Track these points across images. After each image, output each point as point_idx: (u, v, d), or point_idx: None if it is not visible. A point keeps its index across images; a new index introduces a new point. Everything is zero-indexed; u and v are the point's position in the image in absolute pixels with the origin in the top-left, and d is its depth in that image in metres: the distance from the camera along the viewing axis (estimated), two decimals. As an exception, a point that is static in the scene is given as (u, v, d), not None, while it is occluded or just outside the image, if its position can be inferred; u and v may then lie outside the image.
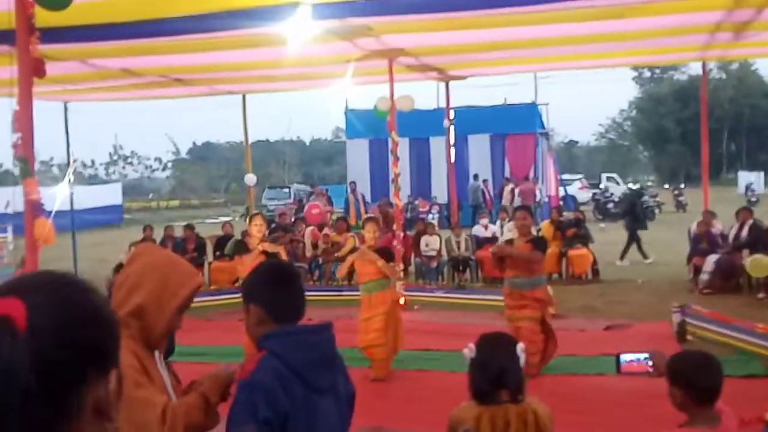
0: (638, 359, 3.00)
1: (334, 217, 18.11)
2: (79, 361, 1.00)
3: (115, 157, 60.43)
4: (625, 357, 3.01)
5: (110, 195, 35.58)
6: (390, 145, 12.28)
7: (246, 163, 16.80)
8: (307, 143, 78.62)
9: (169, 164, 64.93)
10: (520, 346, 2.96)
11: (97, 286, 1.11)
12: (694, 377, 2.89)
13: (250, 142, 16.63)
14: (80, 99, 15.85)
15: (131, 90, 13.47)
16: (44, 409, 0.95)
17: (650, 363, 2.99)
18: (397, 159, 12.00)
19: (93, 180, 53.60)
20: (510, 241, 7.74)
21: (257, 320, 2.40)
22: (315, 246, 14.05)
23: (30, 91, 5.91)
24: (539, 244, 7.58)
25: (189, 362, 6.44)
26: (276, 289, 2.44)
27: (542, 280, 7.53)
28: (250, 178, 16.30)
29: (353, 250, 13.62)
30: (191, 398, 2.37)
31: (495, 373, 2.89)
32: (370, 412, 6.42)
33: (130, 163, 62.08)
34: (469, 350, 2.98)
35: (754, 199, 28.97)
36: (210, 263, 14.07)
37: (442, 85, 16.18)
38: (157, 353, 2.49)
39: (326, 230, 14.49)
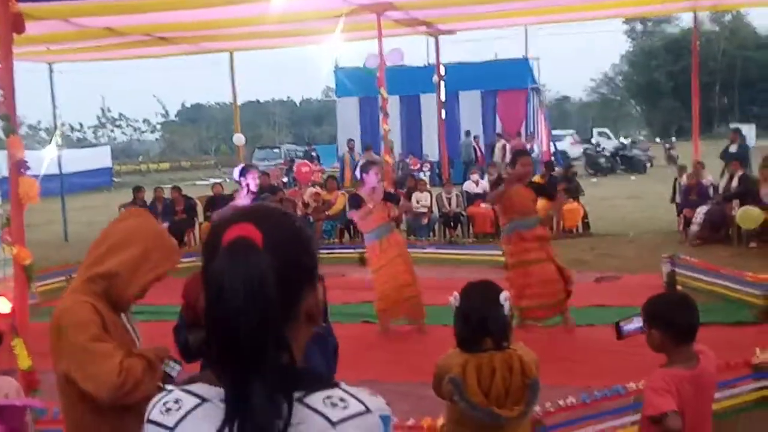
0: (638, 327, 3.00)
1: (324, 176, 18.05)
2: (300, 275, 1.24)
3: (104, 120, 59.70)
4: (627, 326, 3.02)
5: (99, 158, 35.31)
6: (380, 102, 12.18)
7: (235, 123, 16.67)
8: (298, 103, 78.05)
9: (158, 126, 64.30)
10: (504, 294, 2.96)
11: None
12: (670, 316, 2.91)
13: (239, 102, 16.48)
14: (64, 60, 15.62)
15: (116, 50, 13.26)
16: (282, 314, 1.16)
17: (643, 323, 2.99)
18: (386, 116, 11.91)
19: (81, 143, 53.09)
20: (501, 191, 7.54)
21: None
22: (306, 205, 14.02)
23: (10, 47, 5.79)
24: (540, 189, 7.56)
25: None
26: None
27: (538, 219, 7.44)
28: (239, 138, 16.19)
29: (344, 208, 13.71)
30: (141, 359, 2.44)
31: (477, 320, 2.90)
32: (364, 366, 6.48)
33: (119, 126, 61.40)
34: (454, 299, 2.99)
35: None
36: (200, 224, 14.03)
37: (432, 41, 16.00)
38: (124, 315, 2.54)
39: (317, 189, 14.45)
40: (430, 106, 20.31)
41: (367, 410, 1.18)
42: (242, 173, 7.44)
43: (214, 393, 1.18)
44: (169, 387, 1.26)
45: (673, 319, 2.90)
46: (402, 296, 7.42)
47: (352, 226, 13.69)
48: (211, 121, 65.71)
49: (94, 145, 47.68)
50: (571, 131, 38.85)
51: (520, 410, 2.87)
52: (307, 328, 1.28)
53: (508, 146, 22.24)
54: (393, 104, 18.01)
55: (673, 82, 54.04)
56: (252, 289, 1.13)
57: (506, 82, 24.72)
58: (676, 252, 9.14)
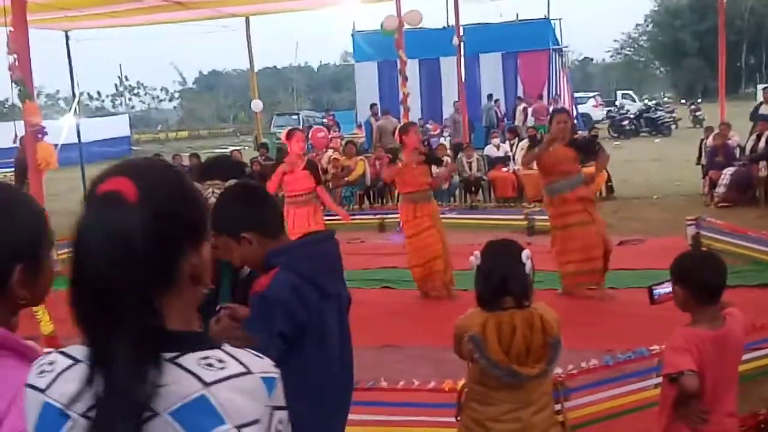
0: (671, 291, 2.92)
1: (344, 142, 17.95)
2: (179, 233, 1.17)
3: (121, 89, 59.97)
4: (658, 290, 2.94)
5: (118, 127, 35.41)
6: (398, 65, 12.02)
7: (252, 89, 16.58)
8: (316, 69, 77.65)
9: (176, 95, 64.47)
10: (526, 253, 2.89)
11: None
12: (696, 274, 2.84)
13: (257, 69, 16.43)
14: (81, 27, 15.56)
15: (132, 15, 13.21)
16: (154, 273, 1.11)
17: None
18: (405, 79, 11.76)
19: (100, 112, 53.36)
20: (539, 152, 7.31)
21: (257, 244, 2.35)
22: (325, 171, 13.94)
23: (24, 12, 5.75)
24: (582, 147, 7.33)
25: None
26: (261, 209, 2.44)
27: (580, 178, 7.14)
28: (257, 104, 16.15)
29: (363, 173, 13.63)
30: None
31: (499, 279, 2.84)
32: (384, 331, 6.46)
33: (137, 95, 61.70)
34: (475, 258, 2.93)
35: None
36: (221, 191, 14.02)
37: (452, 2, 15.75)
38: None
39: (335, 154, 14.36)
40: (450, 69, 20.05)
41: (248, 371, 1.12)
42: (288, 137, 7.44)
43: (87, 353, 1.13)
44: (47, 350, 1.22)
45: (698, 277, 2.83)
46: (431, 270, 7.35)
47: (372, 192, 13.63)
48: (228, 89, 65.67)
49: (113, 114, 47.86)
50: (594, 93, 38.26)
51: (541, 368, 2.83)
52: (194, 289, 1.21)
53: (529, 109, 21.99)
54: (412, 68, 17.73)
55: (699, 42, 52.96)
56: (115, 244, 1.09)
57: (528, 43, 24.32)
58: (701, 215, 8.98)
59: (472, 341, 2.81)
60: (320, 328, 2.29)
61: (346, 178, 13.55)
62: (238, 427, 1.08)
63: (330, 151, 14.50)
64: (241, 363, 1.13)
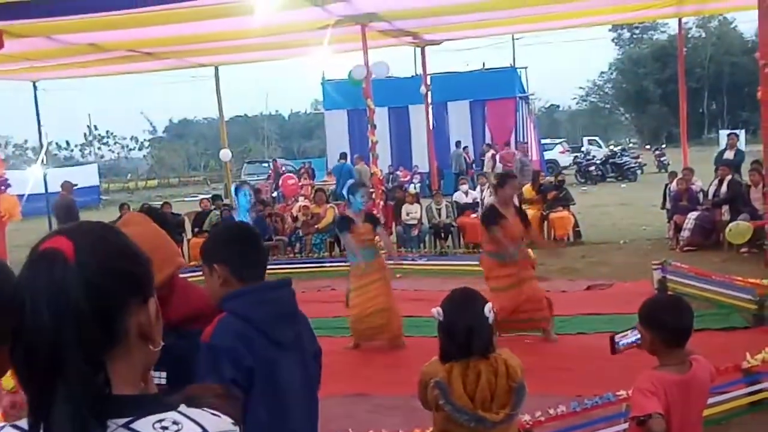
0: (635, 340, 2.95)
1: (314, 189, 17.99)
2: (121, 288, 1.15)
3: (90, 138, 59.50)
4: (622, 340, 2.97)
5: (87, 176, 35.01)
6: (367, 114, 12.16)
7: (222, 138, 16.61)
8: (286, 117, 78.04)
9: (146, 143, 64.13)
10: (488, 306, 2.91)
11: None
12: (663, 318, 2.87)
13: (227, 117, 16.49)
14: (49, 77, 15.59)
15: (100, 65, 13.23)
16: (96, 331, 1.09)
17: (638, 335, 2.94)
18: (374, 127, 11.89)
19: (68, 162, 52.87)
20: (492, 207, 7.48)
21: (222, 280, 2.37)
22: (294, 219, 13.94)
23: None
24: (525, 215, 7.58)
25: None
26: (242, 249, 2.44)
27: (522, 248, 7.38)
28: (225, 154, 16.17)
29: (333, 221, 13.63)
30: None
31: (463, 336, 2.85)
32: (354, 379, 6.41)
33: (106, 144, 61.16)
34: (438, 313, 2.93)
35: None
36: (189, 240, 13.93)
37: (419, 51, 16.02)
38: None
39: (306, 202, 14.37)
40: (418, 117, 20.31)
41: (204, 430, 1.11)
42: (236, 191, 7.43)
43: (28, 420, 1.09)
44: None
45: (665, 321, 2.87)
46: (373, 324, 7.30)
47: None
48: (199, 137, 65.58)
49: (82, 164, 47.48)
50: (560, 140, 38.89)
51: (506, 414, 2.83)
52: (143, 349, 1.19)
53: (497, 156, 22.26)
54: (381, 116, 17.98)
55: (662, 89, 54.17)
56: (52, 300, 1.07)
57: (494, 91, 24.74)
58: (667, 259, 9.10)
59: (437, 387, 2.81)
60: (271, 377, 2.25)
61: (316, 226, 13.54)
62: None
63: (301, 199, 14.53)
64: (197, 424, 1.11)
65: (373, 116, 11.86)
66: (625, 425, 4.03)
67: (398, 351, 7.29)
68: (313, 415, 2.46)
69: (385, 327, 7.32)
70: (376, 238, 7.49)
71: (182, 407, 1.14)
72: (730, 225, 10.90)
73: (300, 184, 16.90)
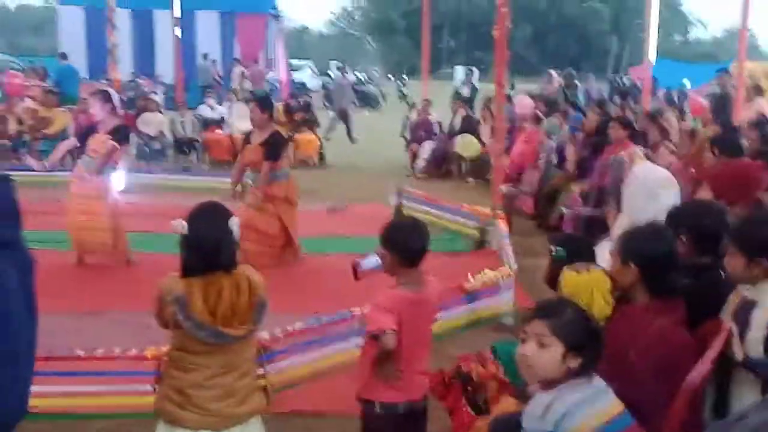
0: (376, 265, 3.03)
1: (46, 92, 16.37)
2: None
3: None
4: (364, 264, 3.04)
5: None
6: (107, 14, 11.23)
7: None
8: (12, 9, 69.75)
9: None
10: (234, 220, 2.88)
11: None
12: (402, 240, 3.03)
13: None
14: None
15: None
16: None
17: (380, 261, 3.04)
18: (113, 28, 11.01)
19: None
20: (248, 135, 7.25)
21: None
22: (20, 122, 12.63)
23: None
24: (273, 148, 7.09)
25: None
26: None
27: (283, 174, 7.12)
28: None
29: (65, 127, 12.55)
30: None
31: (209, 249, 2.79)
32: (82, 296, 6.07)
33: None
34: (181, 226, 2.82)
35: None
36: None
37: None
38: None
39: (34, 104, 13.04)
40: (164, 23, 19.17)
41: None
42: None
43: None
44: None
45: (405, 243, 3.02)
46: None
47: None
48: None
49: None
50: (309, 62, 38.98)
51: (247, 329, 2.85)
52: None
53: (246, 72, 21.81)
54: (123, 17, 16.65)
55: (406, 22, 56.27)
56: None
57: (246, 5, 24.07)
58: (403, 184, 9.59)
59: (176, 302, 2.74)
60: None
61: (44, 131, 12.39)
62: None
63: (28, 101, 13.14)
64: None
65: (113, 16, 10.96)
66: (359, 340, 4.24)
67: (129, 267, 7.00)
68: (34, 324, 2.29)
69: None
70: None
71: None
72: (462, 136, 11.99)
73: (29, 84, 15.20)
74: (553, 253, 3.37)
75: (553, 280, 3.22)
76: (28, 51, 36.63)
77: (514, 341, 2.74)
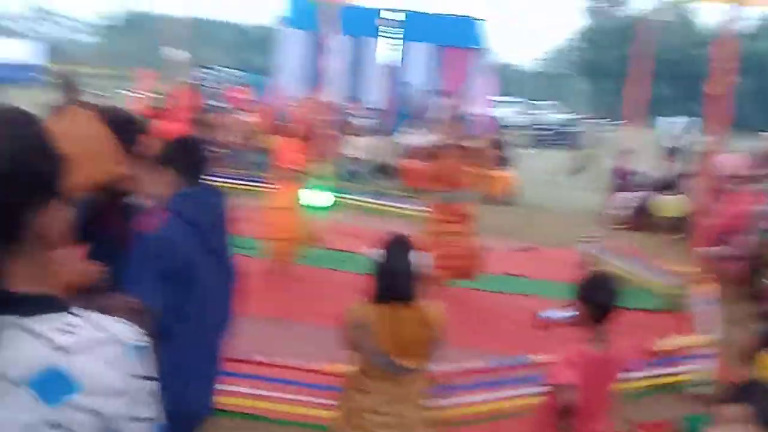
0: (560, 316, 3.03)
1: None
2: (24, 185, 1.06)
3: (36, 13, 56.62)
4: (549, 315, 3.05)
5: (30, 52, 33.50)
6: (326, 39, 11.84)
7: (174, 39, 16.00)
8: (245, 28, 75.62)
9: (102, 30, 61.41)
10: (423, 253, 2.91)
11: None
12: (597, 296, 2.99)
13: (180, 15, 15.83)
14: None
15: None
16: None
17: (566, 315, 3.01)
18: (329, 53, 11.58)
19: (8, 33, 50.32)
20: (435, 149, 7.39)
21: (170, 182, 2.60)
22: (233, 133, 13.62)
23: None
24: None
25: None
26: (192, 157, 2.70)
27: (469, 194, 7.20)
28: (178, 54, 15.59)
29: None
30: None
31: (401, 281, 2.88)
32: (271, 304, 6.37)
33: (57, 23, 58.48)
34: (377, 254, 2.91)
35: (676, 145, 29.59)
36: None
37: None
38: None
39: (252, 118, 14.03)
40: (379, 51, 19.91)
41: (109, 337, 1.07)
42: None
43: None
44: None
45: (598, 299, 2.98)
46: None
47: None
48: (153, 32, 63.04)
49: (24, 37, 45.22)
50: (518, 99, 38.86)
51: (421, 363, 2.91)
52: (41, 250, 1.10)
53: (449, 103, 22.11)
54: (341, 43, 17.53)
55: (621, 66, 54.65)
56: None
57: (455, 39, 24.46)
58: (600, 233, 9.25)
59: (362, 327, 2.84)
60: (199, 273, 2.47)
61: (255, 143, 13.27)
62: (96, 397, 1.01)
63: (244, 114, 14.17)
64: (101, 327, 1.06)
65: (331, 43, 11.53)
66: (532, 389, 4.12)
67: (319, 282, 7.27)
68: (228, 322, 2.71)
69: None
70: None
71: (78, 309, 1.09)
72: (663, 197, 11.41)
73: (249, 98, 16.37)
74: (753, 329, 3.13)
75: (749, 356, 2.99)
76: (255, 68, 39.26)
77: (703, 415, 2.55)
